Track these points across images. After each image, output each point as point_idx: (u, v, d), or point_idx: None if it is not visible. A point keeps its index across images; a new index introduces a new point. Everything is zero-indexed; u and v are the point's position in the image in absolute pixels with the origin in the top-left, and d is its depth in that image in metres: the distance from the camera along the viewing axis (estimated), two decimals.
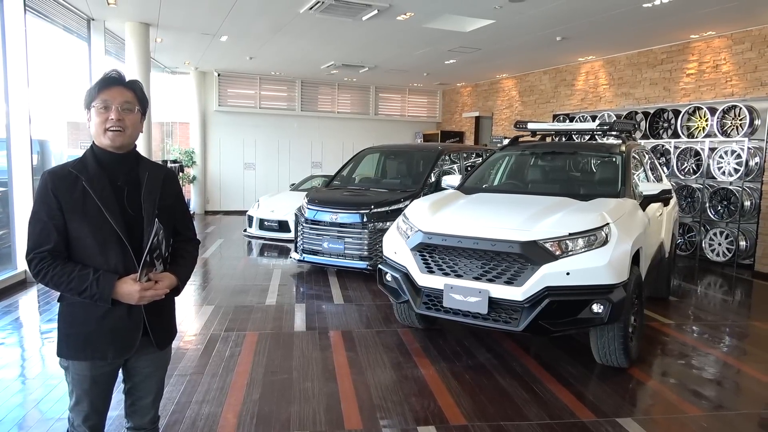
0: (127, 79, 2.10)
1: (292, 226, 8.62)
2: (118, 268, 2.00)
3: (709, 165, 8.75)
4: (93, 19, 8.94)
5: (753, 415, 3.79)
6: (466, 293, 4.16)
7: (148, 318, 2.10)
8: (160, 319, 2.16)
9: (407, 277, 4.54)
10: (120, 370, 2.21)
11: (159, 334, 2.16)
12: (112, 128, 2.02)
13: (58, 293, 2.06)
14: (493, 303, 4.09)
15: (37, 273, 1.97)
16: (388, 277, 4.74)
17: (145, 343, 2.13)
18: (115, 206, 2.02)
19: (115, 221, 2.00)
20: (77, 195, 1.99)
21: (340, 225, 7.19)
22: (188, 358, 4.45)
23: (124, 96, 2.05)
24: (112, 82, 2.06)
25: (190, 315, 5.66)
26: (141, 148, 9.17)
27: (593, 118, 10.81)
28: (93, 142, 2.09)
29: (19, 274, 6.64)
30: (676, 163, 9.25)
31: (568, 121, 11.60)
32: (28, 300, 6.16)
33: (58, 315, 2.11)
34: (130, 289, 1.97)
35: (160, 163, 2.92)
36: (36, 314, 5.79)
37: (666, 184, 5.95)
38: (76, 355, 2.06)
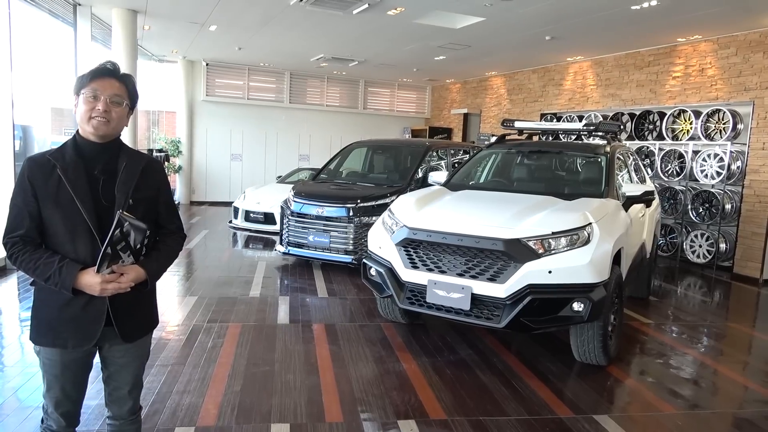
0: (120, 72, 2.09)
1: (277, 219, 8.60)
2: (86, 259, 1.99)
3: (692, 168, 8.87)
4: (79, 5, 8.81)
5: (727, 415, 3.86)
6: (450, 289, 4.19)
7: (113, 310, 2.05)
8: (128, 311, 2.11)
9: (391, 271, 4.55)
10: (98, 359, 2.20)
11: (125, 327, 2.10)
12: (97, 117, 2.01)
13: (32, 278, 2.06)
14: (476, 299, 4.12)
15: (10, 256, 2.00)
16: (373, 272, 4.75)
17: (114, 334, 2.09)
18: (88, 196, 2.00)
19: (86, 211, 1.98)
20: (52, 183, 1.98)
21: (326, 218, 7.19)
22: (170, 348, 4.43)
23: (114, 88, 2.04)
24: (105, 72, 2.05)
25: (172, 305, 5.63)
26: (126, 136, 9.09)
27: (580, 118, 10.88)
28: (77, 130, 2.08)
29: None
30: (660, 165, 9.36)
31: (555, 120, 11.68)
32: (7, 287, 6.09)
33: (32, 299, 2.13)
34: (91, 281, 1.95)
35: (145, 152, 2.85)
36: (15, 302, 5.72)
37: (649, 186, 6.02)
38: (39, 339, 2.07)
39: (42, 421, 2.19)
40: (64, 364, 2.08)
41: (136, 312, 2.17)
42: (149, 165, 2.18)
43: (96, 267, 1.94)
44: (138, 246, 2.04)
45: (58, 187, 1.98)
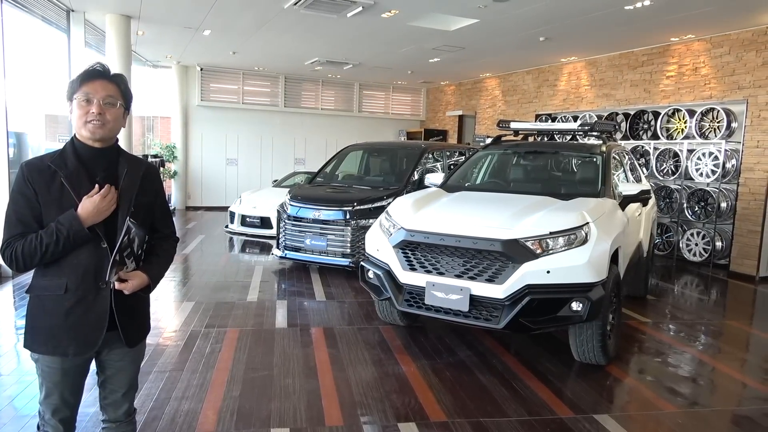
0: (111, 73, 2.08)
1: (274, 223, 8.58)
2: (88, 264, 1.99)
3: (687, 166, 8.89)
4: (73, 11, 8.79)
5: (726, 412, 3.87)
6: (448, 291, 4.18)
7: (119, 317, 2.06)
8: (131, 317, 2.13)
9: (389, 274, 4.54)
10: (94, 363, 2.19)
11: (130, 333, 2.12)
12: (92, 121, 2.00)
13: (28, 286, 2.04)
14: (475, 301, 4.12)
15: (9, 256, 1.95)
16: (371, 274, 4.74)
17: (115, 338, 2.10)
18: None
19: None
20: (54, 189, 1.98)
21: (323, 222, 7.17)
22: (168, 354, 4.41)
23: (106, 90, 2.03)
24: (95, 75, 2.03)
25: (170, 311, 5.60)
26: (122, 142, 9.11)
27: (575, 119, 10.92)
28: (74, 134, 2.07)
29: None
30: (656, 164, 9.38)
31: (550, 121, 11.71)
32: (2, 296, 6.05)
33: (27, 307, 2.09)
34: (87, 203, 1.94)
35: (141, 157, 2.84)
36: (11, 310, 5.69)
37: (645, 185, 6.03)
38: (38, 348, 2.05)
39: (38, 427, 2.18)
40: (64, 371, 2.07)
41: (137, 317, 2.18)
42: (148, 171, 2.20)
43: (106, 274, 1.94)
44: (138, 251, 2.06)
45: (61, 194, 1.98)
